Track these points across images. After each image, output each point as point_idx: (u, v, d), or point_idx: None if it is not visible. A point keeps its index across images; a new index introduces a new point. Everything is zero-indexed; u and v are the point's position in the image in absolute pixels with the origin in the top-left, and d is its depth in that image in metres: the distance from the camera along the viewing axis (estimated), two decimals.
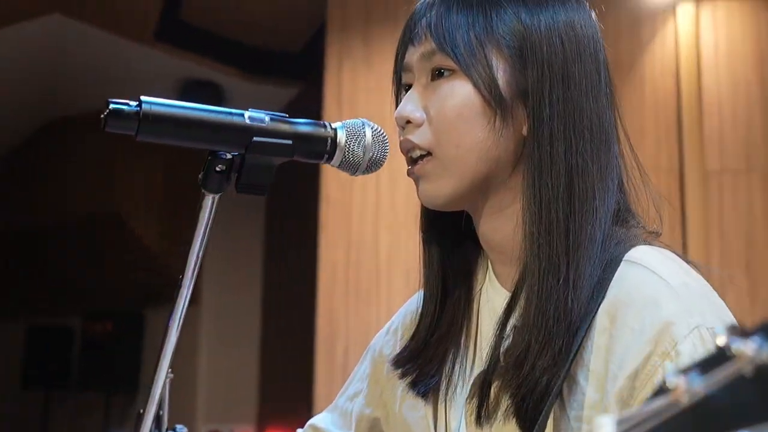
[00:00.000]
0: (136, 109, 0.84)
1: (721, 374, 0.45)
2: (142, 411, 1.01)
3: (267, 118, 0.89)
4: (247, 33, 4.95)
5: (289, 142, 0.89)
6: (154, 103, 0.85)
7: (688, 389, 0.45)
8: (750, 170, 4.24)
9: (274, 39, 5.03)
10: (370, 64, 4.26)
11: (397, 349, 1.09)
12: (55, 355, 6.02)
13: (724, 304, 0.92)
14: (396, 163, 3.93)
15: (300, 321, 4.98)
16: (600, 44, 1.00)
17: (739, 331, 0.45)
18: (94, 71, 5.11)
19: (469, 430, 0.99)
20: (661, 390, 0.47)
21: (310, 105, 4.90)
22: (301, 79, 5.11)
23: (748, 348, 0.44)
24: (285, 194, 5.36)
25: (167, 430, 1.03)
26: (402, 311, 1.19)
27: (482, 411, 0.95)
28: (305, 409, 4.25)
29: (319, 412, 4.10)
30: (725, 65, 4.31)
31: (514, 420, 0.90)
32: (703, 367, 0.46)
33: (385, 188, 4.16)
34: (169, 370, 1.00)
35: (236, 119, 0.87)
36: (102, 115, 0.84)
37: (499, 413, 0.93)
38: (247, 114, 0.88)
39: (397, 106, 1.04)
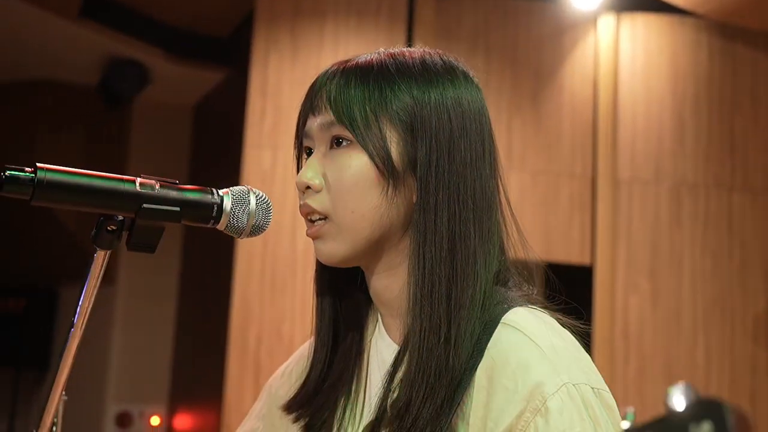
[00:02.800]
0: (31, 176, 0.87)
1: None
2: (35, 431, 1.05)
3: (157, 186, 0.93)
4: (175, 15, 4.91)
5: (177, 208, 0.94)
6: (49, 170, 0.88)
7: None
8: (658, 181, 4.40)
9: (202, 23, 5.00)
10: (296, 56, 4.29)
11: (291, 393, 1.14)
12: None
13: (589, 358, 1.00)
14: None
15: (215, 307, 5.00)
16: (486, 117, 1.07)
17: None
18: (15, 44, 5.01)
19: None
20: None
21: (235, 93, 4.89)
22: (227, 65, 5.09)
23: None
24: (204, 183, 5.36)
25: None
26: (297, 354, 1.23)
27: None
28: (216, 394, 4.28)
29: (229, 399, 4.12)
30: (641, 77, 4.46)
31: None
32: None
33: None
34: (63, 393, 1.04)
35: (127, 187, 0.91)
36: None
37: None
38: (138, 181, 0.92)
39: (298, 167, 1.11)
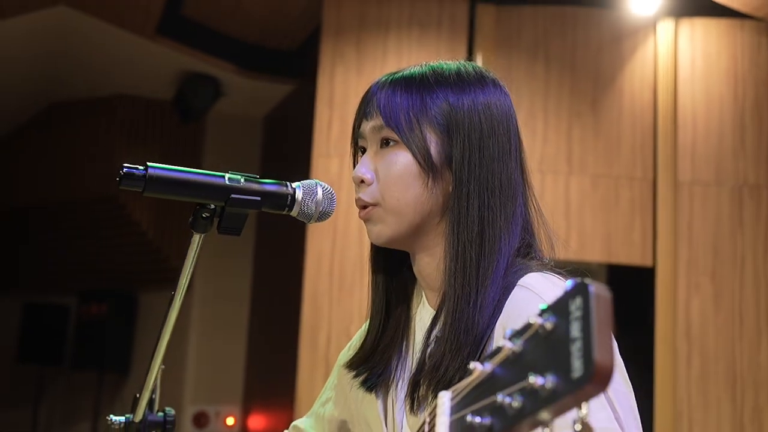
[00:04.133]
0: (143, 173, 1.05)
1: (499, 357, 0.71)
2: (138, 395, 1.23)
3: (242, 180, 1.11)
4: (246, 30, 5.13)
5: (258, 198, 1.11)
6: (157, 168, 1.07)
7: (482, 369, 0.69)
8: (719, 183, 4.45)
9: (272, 37, 5.22)
10: (360, 70, 4.46)
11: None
12: (50, 333, 6.22)
13: None
14: None
15: (286, 309, 5.19)
16: (512, 119, 1.25)
17: (512, 332, 0.70)
18: (97, 61, 5.30)
19: (408, 419, 1.25)
20: (468, 371, 0.74)
21: (303, 104, 5.09)
22: (296, 77, 5.30)
23: (509, 342, 0.72)
24: None
25: (158, 412, 1.25)
26: (360, 332, 1.45)
27: (414, 403, 1.20)
28: (288, 395, 4.46)
29: (301, 398, 4.33)
30: (701, 81, 4.51)
31: None
32: (491, 356, 0.73)
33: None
34: (161, 363, 1.22)
35: (218, 181, 1.09)
36: (117, 178, 1.06)
37: (427, 404, 1.18)
38: (227, 176, 1.11)
39: (354, 163, 1.32)
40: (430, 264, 1.25)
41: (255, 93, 5.52)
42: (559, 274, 1.22)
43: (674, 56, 4.51)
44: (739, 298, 4.37)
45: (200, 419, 5.73)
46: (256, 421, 5.61)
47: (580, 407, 0.63)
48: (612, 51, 4.54)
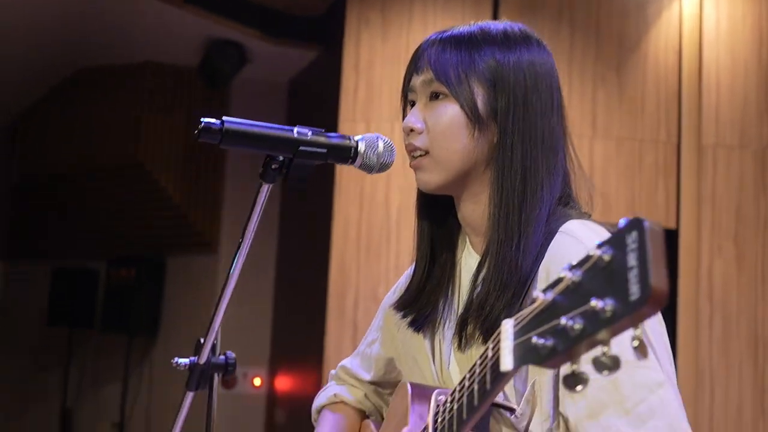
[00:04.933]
0: (219, 126, 1.12)
1: (559, 287, 0.80)
2: (201, 339, 1.32)
3: (310, 133, 1.18)
4: None
5: (324, 150, 1.18)
6: (233, 122, 1.14)
7: (543, 298, 0.78)
8: (743, 146, 4.47)
9: (296, 3, 5.24)
10: (386, 35, 4.50)
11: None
12: (80, 297, 6.33)
13: None
14: None
15: (311, 275, 5.28)
16: (554, 77, 1.31)
17: (570, 266, 0.78)
18: (124, 28, 5.35)
19: (456, 355, 1.33)
20: (532, 300, 0.83)
21: (329, 69, 5.13)
22: (320, 43, 5.33)
23: (570, 273, 0.80)
24: None
25: (219, 355, 1.35)
26: (405, 276, 1.54)
27: (462, 341, 1.29)
28: (316, 356, 4.56)
29: (328, 360, 4.43)
30: (725, 45, 4.52)
31: (483, 346, 1.21)
32: (552, 286, 0.82)
33: (398, 153, 4.41)
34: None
35: (288, 133, 1.16)
36: (195, 130, 1.12)
37: (474, 341, 1.28)
38: (295, 130, 1.17)
39: (403, 115, 1.39)
40: (476, 210, 1.33)
41: (280, 59, 5.56)
42: (594, 221, 1.30)
43: (699, 19, 4.52)
44: (762, 260, 4.41)
45: (228, 381, 5.85)
46: (282, 382, 5.72)
47: (636, 327, 0.70)
48: (637, 15, 4.54)
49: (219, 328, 1.34)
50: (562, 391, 1.14)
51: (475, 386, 0.94)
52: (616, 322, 0.72)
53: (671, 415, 1.10)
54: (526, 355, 0.82)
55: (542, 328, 0.79)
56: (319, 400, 1.64)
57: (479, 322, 1.25)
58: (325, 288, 4.43)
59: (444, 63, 1.30)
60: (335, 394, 1.61)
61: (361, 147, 1.25)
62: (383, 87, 4.49)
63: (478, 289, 1.28)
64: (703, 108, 4.48)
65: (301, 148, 1.19)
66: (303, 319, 5.26)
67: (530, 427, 1.15)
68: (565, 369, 0.79)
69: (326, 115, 5.23)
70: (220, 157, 5.97)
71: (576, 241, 1.22)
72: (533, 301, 0.83)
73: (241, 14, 5.15)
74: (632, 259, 0.72)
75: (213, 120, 1.15)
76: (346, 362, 1.65)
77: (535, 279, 1.23)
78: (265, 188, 1.20)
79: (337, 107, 4.60)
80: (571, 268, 0.80)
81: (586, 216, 1.31)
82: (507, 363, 0.85)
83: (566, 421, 1.17)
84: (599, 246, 0.76)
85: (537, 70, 1.31)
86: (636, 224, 0.73)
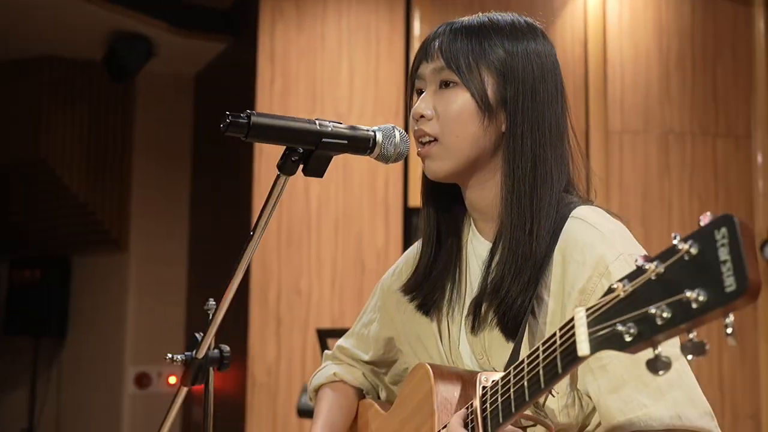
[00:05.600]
0: (246, 120, 1.12)
1: (641, 278, 0.83)
2: (197, 334, 1.33)
3: (331, 126, 1.19)
4: None
5: (345, 141, 1.19)
6: (258, 115, 1.14)
7: (624, 288, 0.81)
8: (647, 132, 4.66)
9: None
10: (301, 26, 4.49)
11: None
12: None
13: (635, 240, 1.31)
14: (326, 118, 4.23)
15: (225, 269, 5.23)
16: (558, 68, 1.36)
17: (646, 258, 0.82)
18: (26, 21, 5.17)
19: (468, 337, 1.37)
20: (609, 291, 0.86)
21: (239, 62, 5.09)
22: (230, 35, 5.27)
23: (652, 265, 0.82)
24: (210, 150, 5.56)
25: (213, 349, 1.35)
26: (403, 258, 1.58)
27: (476, 323, 1.32)
28: (239, 352, 4.53)
29: (253, 354, 4.38)
30: (628, 36, 4.70)
31: (498, 328, 1.29)
32: (630, 278, 0.85)
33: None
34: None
35: (311, 126, 1.17)
36: (221, 125, 1.12)
37: (487, 324, 1.31)
38: (317, 122, 1.18)
39: (408, 102, 1.41)
40: (483, 196, 1.37)
41: (187, 51, 5.48)
42: (602, 208, 1.35)
43: (603, 11, 4.68)
44: (667, 239, 4.58)
45: (142, 380, 5.75)
46: None
47: (726, 317, 0.75)
48: (544, 7, 4.68)
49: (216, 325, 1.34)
50: (582, 369, 1.18)
51: (541, 370, 0.98)
52: (708, 313, 0.77)
53: (688, 386, 1.17)
54: (607, 341, 0.87)
55: (625, 316, 0.84)
56: (318, 379, 1.65)
57: (494, 305, 1.28)
58: (246, 281, 4.41)
59: (455, 52, 1.33)
60: (335, 373, 1.63)
61: (379, 138, 1.26)
62: (300, 78, 4.48)
63: (493, 273, 1.32)
64: (608, 96, 4.65)
65: (324, 140, 1.19)
66: (226, 312, 5.21)
67: (547, 402, 1.19)
68: (647, 354, 0.85)
69: (237, 108, 5.18)
70: (126, 153, 5.85)
71: (589, 226, 1.27)
72: (611, 291, 0.87)
73: (147, 6, 5.05)
74: (724, 254, 0.76)
75: (239, 114, 1.15)
76: (342, 342, 1.67)
77: (550, 263, 1.27)
78: (283, 180, 1.20)
79: (250, 99, 4.57)
80: (651, 260, 0.84)
81: (590, 202, 1.35)
82: (584, 349, 0.90)
83: (581, 398, 1.24)
84: (684, 240, 0.80)
85: (543, 60, 1.35)
86: (726, 220, 0.78)
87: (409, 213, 4.50)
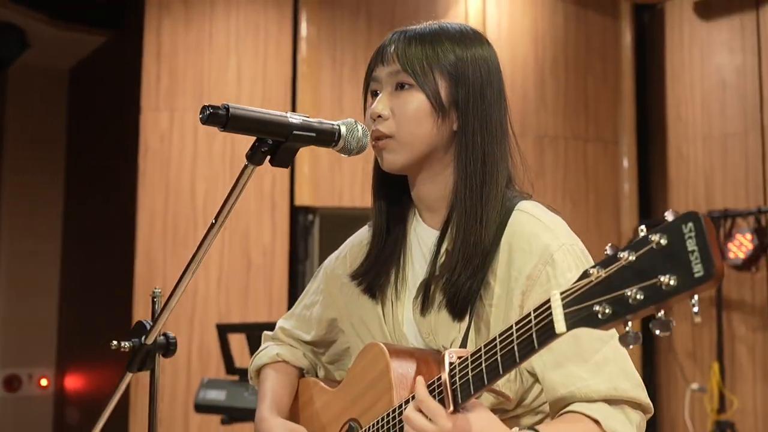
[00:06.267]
0: (224, 112, 1.17)
1: (614, 266, 0.93)
2: (144, 321, 1.36)
3: (301, 119, 1.24)
4: None
5: (314, 134, 1.25)
6: (236, 108, 1.18)
7: (598, 274, 0.92)
8: (524, 134, 4.88)
9: None
10: (188, 23, 4.47)
11: (350, 269, 1.57)
12: None
13: (572, 231, 1.42)
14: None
15: (101, 267, 5.13)
16: (500, 72, 1.47)
17: (615, 248, 0.92)
18: None
19: (415, 318, 1.45)
20: (584, 276, 0.94)
21: (121, 56, 5.01)
22: (109, 29, 5.18)
23: (624, 254, 0.93)
24: (85, 145, 5.43)
25: (159, 336, 1.38)
26: (348, 244, 1.65)
27: (425, 304, 1.42)
28: (113, 352, 4.45)
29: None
30: (507, 42, 4.90)
31: (446, 309, 1.39)
32: (602, 265, 0.95)
33: (202, 141, 4.42)
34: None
35: (284, 119, 1.22)
36: (200, 115, 1.16)
37: (435, 306, 1.40)
38: (289, 115, 1.23)
39: (364, 103, 1.50)
40: (432, 189, 1.46)
41: (63, 45, 5.34)
42: (539, 203, 1.46)
43: (483, 15, 4.87)
44: None
45: (12, 382, 5.56)
46: (72, 381, 5.52)
47: (692, 298, 0.87)
48: (428, 9, 4.82)
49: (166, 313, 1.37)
50: None
51: (516, 347, 1.08)
52: (679, 295, 0.89)
53: (622, 360, 1.29)
54: (582, 320, 0.98)
55: (601, 298, 0.95)
56: (261, 359, 1.68)
57: (444, 287, 1.38)
58: (131, 278, 4.35)
59: (410, 56, 1.41)
60: (277, 354, 1.68)
61: (343, 131, 1.31)
62: (187, 75, 4.46)
63: (443, 258, 1.41)
64: None
65: (295, 132, 1.24)
66: (97, 312, 5.12)
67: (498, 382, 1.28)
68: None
69: (114, 104, 5.10)
70: None
71: (534, 218, 1.38)
72: (585, 276, 0.98)
73: None
74: (692, 245, 0.88)
75: (218, 106, 1.19)
76: (283, 324, 1.73)
77: (497, 251, 1.38)
78: (250, 169, 1.24)
79: (134, 95, 4.52)
80: (623, 250, 0.95)
81: (530, 197, 1.46)
82: (561, 327, 1.01)
83: (522, 374, 1.35)
84: (654, 233, 0.92)
85: (489, 65, 1.45)
86: (691, 216, 0.89)
87: (295, 211, 4.55)
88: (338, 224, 4.72)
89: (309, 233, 4.59)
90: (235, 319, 4.34)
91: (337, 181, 4.58)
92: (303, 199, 4.53)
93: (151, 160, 4.39)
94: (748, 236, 4.38)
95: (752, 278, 4.53)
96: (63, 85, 5.85)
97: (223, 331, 3.25)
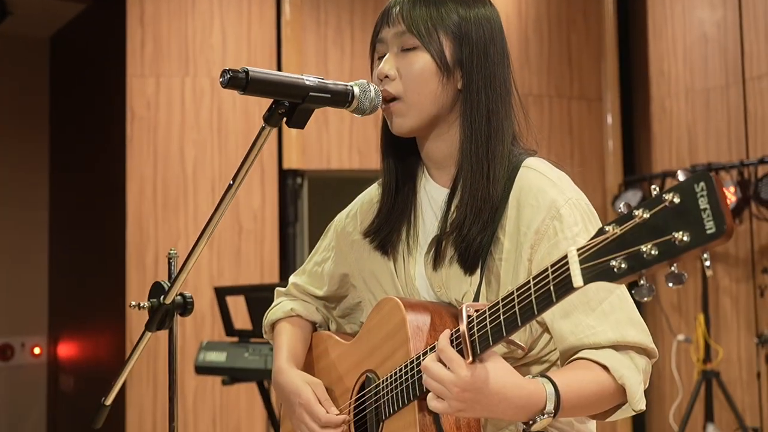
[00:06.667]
0: (244, 75, 1.20)
1: (629, 223, 0.98)
2: (163, 282, 1.40)
3: (316, 81, 1.28)
4: None
5: (329, 95, 1.29)
6: (255, 71, 1.22)
7: (614, 231, 0.97)
8: None
9: None
10: None
11: (360, 227, 1.62)
12: None
13: (577, 186, 1.47)
14: (199, 83, 4.34)
15: (90, 234, 5.15)
16: (503, 32, 1.50)
17: (629, 207, 0.97)
18: None
19: (427, 272, 1.50)
20: (600, 232, 0.98)
21: (102, 23, 4.98)
22: None
23: (639, 212, 0.98)
24: (76, 109, 5.41)
25: (176, 295, 1.42)
26: (358, 201, 1.70)
27: (437, 259, 1.46)
28: (114, 315, 4.50)
29: (130, 316, 4.36)
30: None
31: (457, 264, 1.44)
32: (618, 222, 0.99)
33: (189, 107, 4.42)
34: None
35: (300, 81, 1.26)
36: (221, 79, 1.19)
37: (447, 260, 1.45)
38: (305, 77, 1.27)
39: (371, 65, 1.53)
40: (440, 147, 1.51)
41: (43, 12, 5.30)
42: (545, 159, 1.51)
43: None
44: None
45: (5, 351, 5.59)
46: (65, 348, 5.56)
47: (704, 254, 0.92)
48: None
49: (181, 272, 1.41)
50: None
51: (534, 300, 1.12)
52: (691, 250, 0.94)
53: (628, 308, 1.35)
54: (598, 275, 1.03)
55: (617, 254, 1.00)
56: (275, 314, 1.73)
57: (456, 242, 1.43)
58: (122, 245, 4.38)
59: (415, 17, 1.45)
60: (291, 308, 1.73)
61: (357, 92, 1.35)
62: (171, 41, 4.45)
63: (453, 214, 1.46)
64: None
65: (311, 93, 1.28)
66: (88, 280, 5.14)
67: None
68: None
69: (98, 71, 5.08)
70: None
71: (541, 175, 1.43)
72: (602, 233, 1.03)
73: None
74: (704, 203, 0.93)
75: (237, 70, 1.22)
76: (296, 280, 1.77)
77: (505, 207, 1.42)
78: (267, 131, 1.28)
79: (116, 63, 4.51)
80: (637, 208, 0.99)
81: (535, 153, 1.51)
82: (579, 281, 1.05)
83: (531, 325, 1.40)
84: (667, 192, 0.96)
85: (492, 25, 1.48)
86: (703, 176, 0.94)
87: (284, 174, 4.58)
88: (327, 187, 4.75)
89: (298, 196, 4.63)
90: (228, 282, 4.38)
91: (325, 144, 4.60)
92: (291, 162, 4.56)
93: (138, 126, 4.39)
94: (732, 189, 4.45)
95: (736, 230, 4.61)
96: (44, 53, 5.81)
97: (222, 293, 3.29)
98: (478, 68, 1.45)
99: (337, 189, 4.67)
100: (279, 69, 4.58)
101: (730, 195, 4.43)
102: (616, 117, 5.12)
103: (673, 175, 4.82)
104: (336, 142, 4.60)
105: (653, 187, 0.99)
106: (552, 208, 1.39)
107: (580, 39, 5.08)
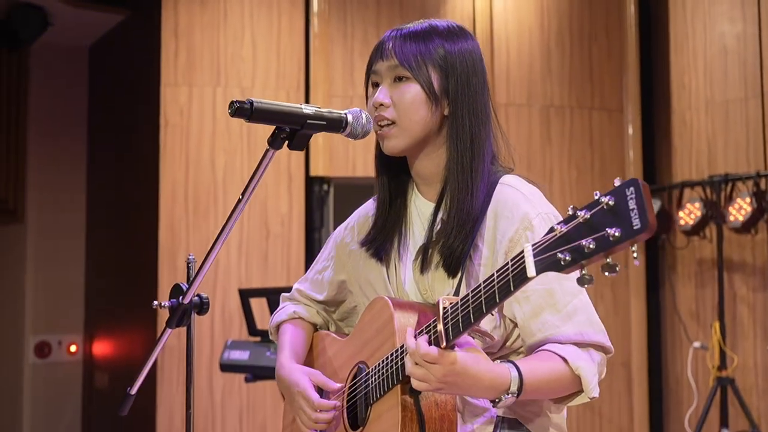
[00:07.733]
0: (249, 106, 1.36)
1: (573, 222, 1.14)
2: (180, 283, 1.55)
3: (313, 110, 1.44)
4: None
5: (324, 122, 1.45)
6: (259, 102, 1.38)
7: (561, 229, 1.12)
8: (530, 104, 5.04)
9: None
10: (204, 1, 4.64)
11: (357, 238, 1.82)
12: None
13: (547, 200, 1.65)
14: (230, 93, 4.51)
15: (125, 237, 5.35)
16: (483, 62, 1.68)
17: (573, 208, 1.12)
18: None
19: (415, 277, 1.69)
20: (550, 231, 1.15)
21: (138, 35, 5.18)
22: (127, 8, 5.34)
23: (582, 213, 1.15)
24: (106, 121, 5.62)
25: (195, 295, 1.58)
26: (356, 215, 1.90)
27: (423, 264, 1.65)
28: (146, 317, 4.68)
29: (162, 319, 4.55)
30: (513, 14, 5.05)
31: (441, 268, 1.62)
32: (565, 222, 1.17)
33: (220, 116, 4.60)
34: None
35: (299, 110, 1.42)
36: (229, 110, 1.36)
37: (432, 265, 1.64)
38: (303, 107, 1.43)
39: (366, 94, 1.72)
40: (428, 166, 1.70)
41: (82, 23, 5.51)
42: (520, 176, 1.68)
43: None
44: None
45: (42, 349, 5.80)
46: (100, 346, 5.76)
47: (632, 246, 1.07)
48: None
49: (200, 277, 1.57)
50: (510, 300, 1.49)
51: (496, 290, 1.30)
52: (621, 244, 1.11)
53: (589, 311, 1.56)
54: (548, 266, 1.20)
55: (563, 248, 1.18)
56: (280, 317, 1.93)
57: (441, 249, 1.62)
58: (155, 248, 4.56)
59: (406, 52, 1.64)
60: (294, 311, 1.93)
61: (350, 119, 1.54)
62: (204, 52, 4.64)
63: (439, 225, 1.65)
64: (495, 71, 4.99)
65: (308, 121, 1.46)
66: (123, 281, 5.34)
67: (481, 324, 1.50)
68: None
69: (134, 80, 5.28)
70: (21, 123, 5.84)
71: (515, 190, 1.63)
72: (551, 231, 1.20)
73: None
74: (632, 204, 1.10)
75: (243, 101, 1.39)
76: (299, 286, 1.97)
77: (484, 219, 1.61)
78: (271, 153, 1.45)
79: (151, 72, 4.70)
80: (581, 210, 1.16)
81: (511, 171, 1.71)
82: (532, 271, 1.22)
83: (504, 321, 1.60)
84: (604, 195, 1.13)
85: (474, 57, 1.68)
86: (633, 182, 1.12)
87: (310, 181, 4.75)
88: (352, 193, 4.91)
89: (324, 203, 4.79)
90: (256, 285, 4.55)
91: (351, 152, 4.76)
92: (318, 170, 4.72)
93: (171, 133, 4.58)
94: (748, 200, 4.53)
95: (752, 240, 4.70)
96: (83, 63, 6.03)
97: (245, 295, 3.45)
98: (462, 96, 1.63)
99: (362, 195, 4.81)
100: (307, 79, 4.75)
101: (746, 205, 4.52)
102: (637, 128, 5.21)
103: (692, 185, 4.92)
104: (361, 151, 4.75)
105: (595, 192, 1.15)
106: (525, 219, 1.57)
107: (601, 52, 5.19)
